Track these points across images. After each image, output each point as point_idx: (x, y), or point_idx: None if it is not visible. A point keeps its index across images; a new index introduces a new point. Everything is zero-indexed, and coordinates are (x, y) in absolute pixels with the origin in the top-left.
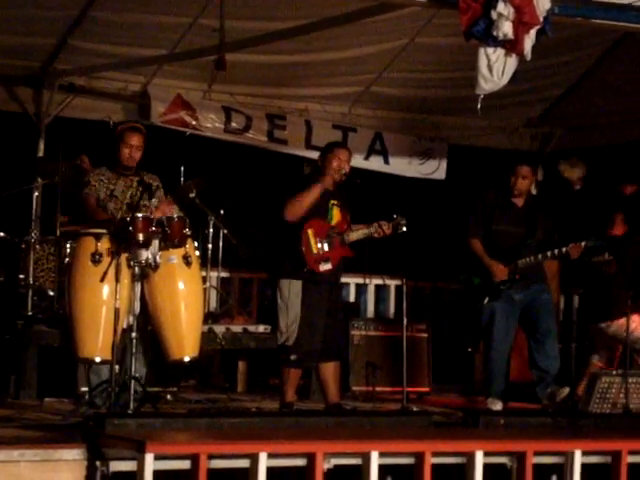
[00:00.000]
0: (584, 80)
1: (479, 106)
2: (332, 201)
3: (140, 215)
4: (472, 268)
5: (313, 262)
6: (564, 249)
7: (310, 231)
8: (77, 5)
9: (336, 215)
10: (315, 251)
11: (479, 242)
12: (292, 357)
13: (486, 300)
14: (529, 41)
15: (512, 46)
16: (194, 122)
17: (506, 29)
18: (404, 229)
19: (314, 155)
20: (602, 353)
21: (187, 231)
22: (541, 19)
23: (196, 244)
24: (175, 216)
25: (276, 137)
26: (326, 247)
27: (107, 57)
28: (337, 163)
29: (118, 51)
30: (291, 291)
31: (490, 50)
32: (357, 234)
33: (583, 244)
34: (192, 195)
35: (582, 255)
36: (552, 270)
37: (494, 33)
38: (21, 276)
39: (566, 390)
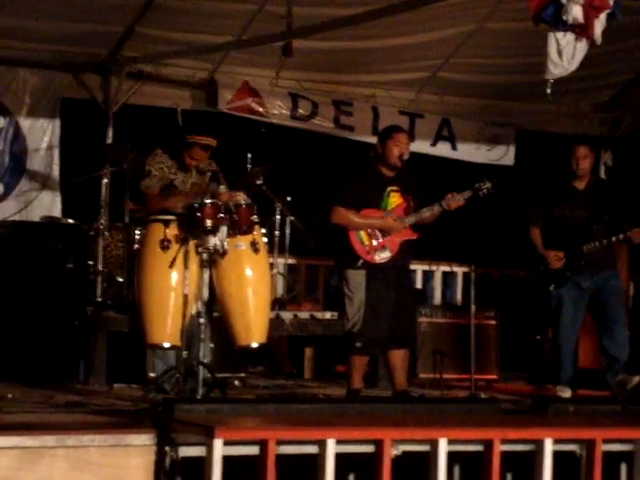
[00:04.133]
0: None
1: (549, 91)
2: (390, 187)
3: (208, 201)
4: (537, 255)
5: (366, 254)
6: (627, 233)
7: None
8: None
9: (394, 201)
10: (367, 242)
11: (538, 231)
12: (357, 344)
13: (552, 287)
14: (599, 25)
15: (582, 30)
16: (261, 109)
17: (576, 13)
18: (486, 192)
19: None
20: None
21: (255, 218)
22: (611, 3)
23: (264, 231)
24: (243, 203)
25: (342, 123)
26: (380, 236)
27: (174, 44)
28: (398, 149)
29: (185, 38)
30: (355, 279)
31: (560, 35)
32: (418, 214)
33: None
34: (259, 182)
35: None
36: (622, 257)
37: (564, 17)
38: (90, 262)
39: (637, 378)
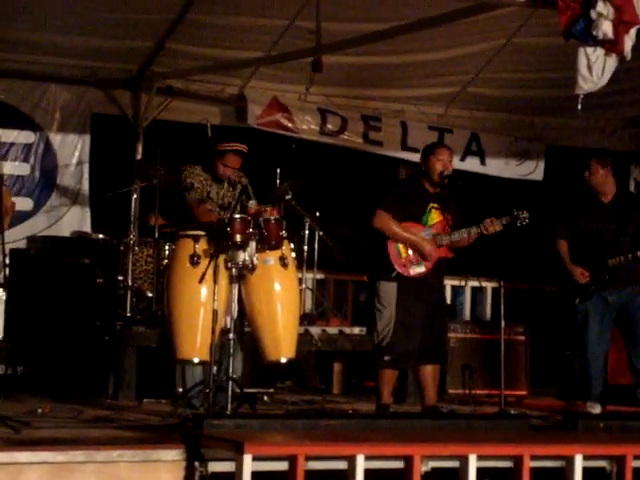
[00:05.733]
0: None
1: (579, 106)
2: (431, 204)
3: (238, 216)
4: (563, 269)
5: (401, 266)
6: None
7: None
8: (175, 8)
9: (435, 218)
10: (404, 255)
11: (565, 244)
12: (386, 358)
13: (577, 301)
14: (629, 41)
15: (612, 46)
16: (290, 124)
17: (606, 28)
18: (525, 222)
19: (409, 157)
20: None
21: (283, 233)
22: None
23: (292, 246)
24: (272, 218)
25: (371, 139)
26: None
27: (204, 60)
28: (441, 165)
29: (215, 54)
30: (387, 292)
31: (590, 50)
32: (457, 234)
33: None
34: (288, 197)
35: None
36: None
37: (594, 33)
38: (120, 277)
39: None
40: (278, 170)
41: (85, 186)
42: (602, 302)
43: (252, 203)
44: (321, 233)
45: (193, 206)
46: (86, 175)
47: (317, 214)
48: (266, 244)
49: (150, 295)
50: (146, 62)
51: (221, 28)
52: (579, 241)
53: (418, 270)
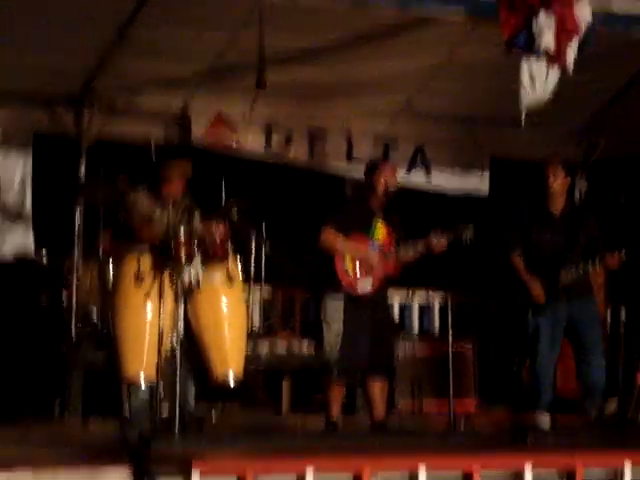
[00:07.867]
0: (629, 89)
1: (523, 118)
2: (378, 219)
3: (182, 232)
4: (515, 283)
5: (349, 284)
6: (602, 261)
7: None
8: (116, 24)
9: (381, 233)
10: (352, 272)
11: (520, 258)
12: (334, 375)
13: (530, 315)
14: (571, 52)
15: (554, 57)
16: (234, 141)
17: (548, 41)
18: (469, 238)
19: (355, 171)
20: None
21: (229, 247)
22: (583, 29)
23: (238, 262)
24: (217, 232)
25: (317, 153)
26: (364, 268)
27: (147, 77)
28: (385, 180)
29: (158, 71)
30: (333, 309)
31: (532, 62)
32: (402, 251)
33: (622, 253)
34: (234, 213)
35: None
36: (599, 282)
37: (536, 45)
38: (64, 298)
39: (614, 403)
40: (223, 186)
41: (28, 206)
42: (553, 315)
43: (197, 222)
44: (267, 249)
45: (138, 225)
46: (28, 195)
47: (263, 230)
48: (212, 259)
49: (95, 315)
50: (88, 79)
51: (163, 44)
52: (530, 253)
53: (366, 288)
